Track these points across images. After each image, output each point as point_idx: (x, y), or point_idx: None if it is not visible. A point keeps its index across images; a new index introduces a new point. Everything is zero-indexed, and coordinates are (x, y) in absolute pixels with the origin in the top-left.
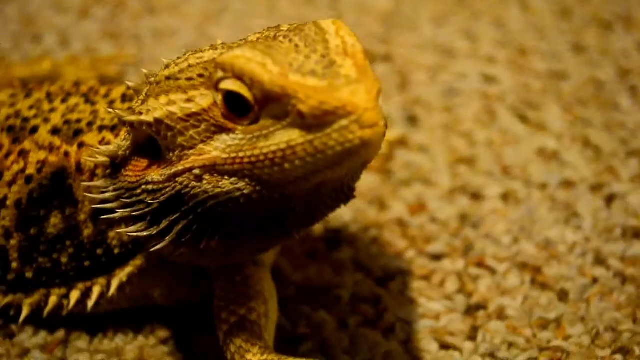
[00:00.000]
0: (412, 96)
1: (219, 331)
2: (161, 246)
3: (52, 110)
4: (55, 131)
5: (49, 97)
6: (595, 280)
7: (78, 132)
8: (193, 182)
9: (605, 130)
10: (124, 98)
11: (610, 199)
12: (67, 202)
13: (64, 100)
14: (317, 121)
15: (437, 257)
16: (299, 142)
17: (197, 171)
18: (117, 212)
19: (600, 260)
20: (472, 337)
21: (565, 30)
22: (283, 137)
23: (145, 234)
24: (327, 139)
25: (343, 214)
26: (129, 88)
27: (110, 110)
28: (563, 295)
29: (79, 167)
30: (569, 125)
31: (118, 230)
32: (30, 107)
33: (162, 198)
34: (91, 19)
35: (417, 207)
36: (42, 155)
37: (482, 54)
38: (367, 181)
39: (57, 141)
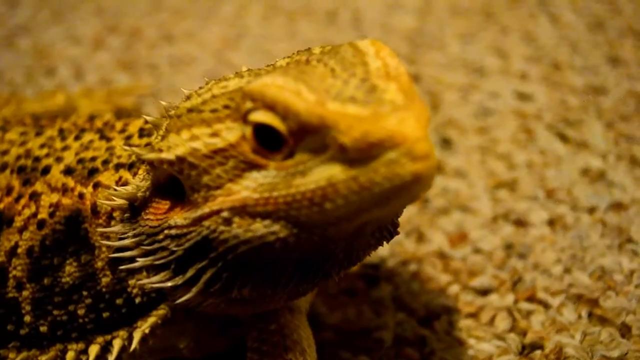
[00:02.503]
0: (444, 118)
1: None
2: (187, 297)
3: (65, 148)
4: (68, 171)
5: (62, 134)
6: None
7: (93, 172)
8: (221, 226)
9: None
10: (142, 133)
11: None
12: (83, 248)
13: (77, 137)
14: (361, 154)
15: (483, 292)
16: (341, 179)
17: (225, 214)
18: (137, 260)
19: None
20: None
21: (599, 43)
22: (322, 173)
23: (169, 284)
24: (373, 174)
25: (380, 248)
26: (146, 122)
27: (127, 147)
28: (625, 330)
29: (94, 210)
30: (613, 143)
31: (140, 282)
32: (42, 146)
33: (187, 244)
34: (106, 49)
35: (457, 237)
36: (54, 197)
37: (514, 71)
38: None
39: (70, 182)
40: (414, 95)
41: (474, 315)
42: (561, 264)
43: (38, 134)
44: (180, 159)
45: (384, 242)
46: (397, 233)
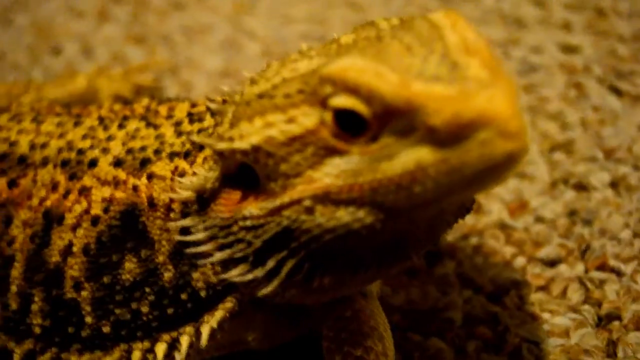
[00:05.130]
0: None
1: None
2: (269, 290)
3: (110, 138)
4: (118, 163)
5: (103, 122)
6: None
7: (145, 162)
8: (303, 215)
9: None
10: (192, 118)
11: None
12: (142, 243)
13: (121, 126)
14: (451, 136)
15: (551, 263)
16: (431, 161)
17: (307, 202)
18: (213, 255)
19: None
20: (611, 354)
21: None
22: (410, 156)
23: (250, 277)
24: (464, 155)
25: None
26: (193, 106)
27: (196, 139)
28: None
29: (151, 203)
30: None
31: (220, 277)
32: (84, 137)
33: (265, 235)
34: (112, 21)
35: (517, 206)
36: (106, 191)
37: (555, 21)
38: None
39: (122, 174)
40: (499, 69)
41: (544, 288)
42: (630, 228)
43: (77, 124)
44: (256, 148)
45: (461, 219)
46: (473, 209)
